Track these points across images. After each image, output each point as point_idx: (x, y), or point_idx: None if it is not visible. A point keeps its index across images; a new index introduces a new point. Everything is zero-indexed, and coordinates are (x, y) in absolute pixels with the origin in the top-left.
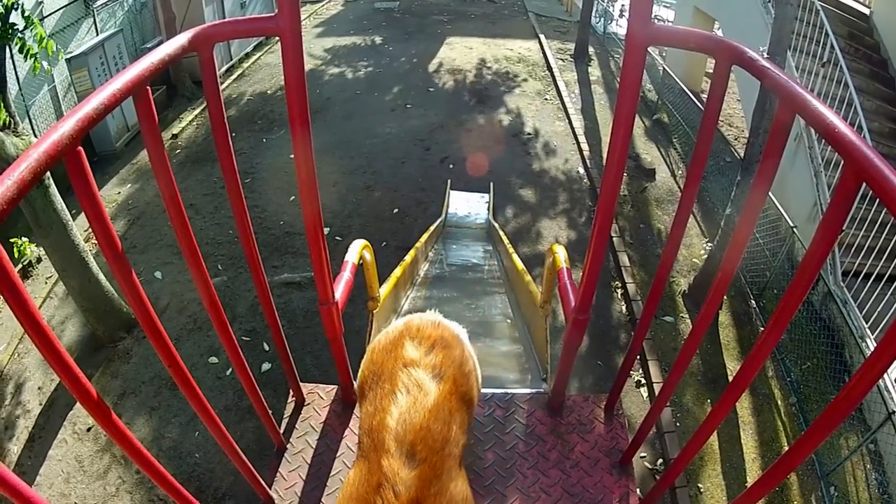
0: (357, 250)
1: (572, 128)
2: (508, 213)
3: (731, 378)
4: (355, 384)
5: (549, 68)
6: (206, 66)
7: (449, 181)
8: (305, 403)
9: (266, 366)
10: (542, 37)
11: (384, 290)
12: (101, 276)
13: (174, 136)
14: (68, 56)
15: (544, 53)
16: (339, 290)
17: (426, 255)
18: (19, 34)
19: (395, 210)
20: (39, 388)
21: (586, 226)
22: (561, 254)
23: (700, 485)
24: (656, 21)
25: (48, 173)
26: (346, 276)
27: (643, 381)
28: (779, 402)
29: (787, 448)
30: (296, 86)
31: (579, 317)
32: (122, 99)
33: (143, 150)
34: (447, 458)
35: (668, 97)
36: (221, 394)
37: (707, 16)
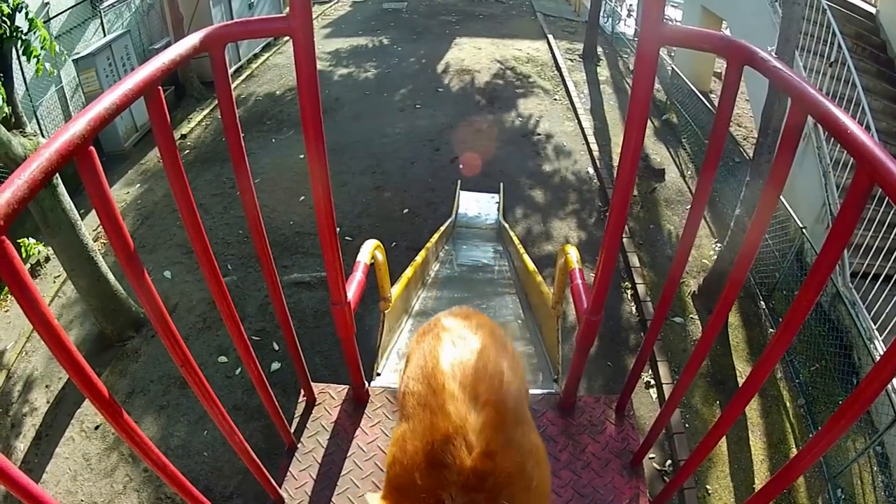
0: (369, 251)
1: (582, 128)
2: (518, 213)
3: (740, 379)
4: (368, 384)
5: (558, 68)
6: (218, 66)
7: (459, 181)
8: (316, 403)
9: (276, 365)
10: (550, 37)
11: (395, 291)
12: (110, 276)
13: (183, 137)
14: (76, 57)
15: (553, 54)
16: (352, 290)
17: (437, 256)
18: (23, 36)
19: (405, 210)
20: (47, 387)
21: (596, 226)
22: (573, 254)
23: (708, 486)
24: (667, 21)
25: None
26: (358, 276)
27: (653, 382)
28: (787, 404)
29: (795, 450)
30: (308, 86)
31: (592, 317)
32: (134, 99)
33: (152, 151)
34: (510, 401)
35: (676, 97)
36: (231, 393)
37: (715, 15)
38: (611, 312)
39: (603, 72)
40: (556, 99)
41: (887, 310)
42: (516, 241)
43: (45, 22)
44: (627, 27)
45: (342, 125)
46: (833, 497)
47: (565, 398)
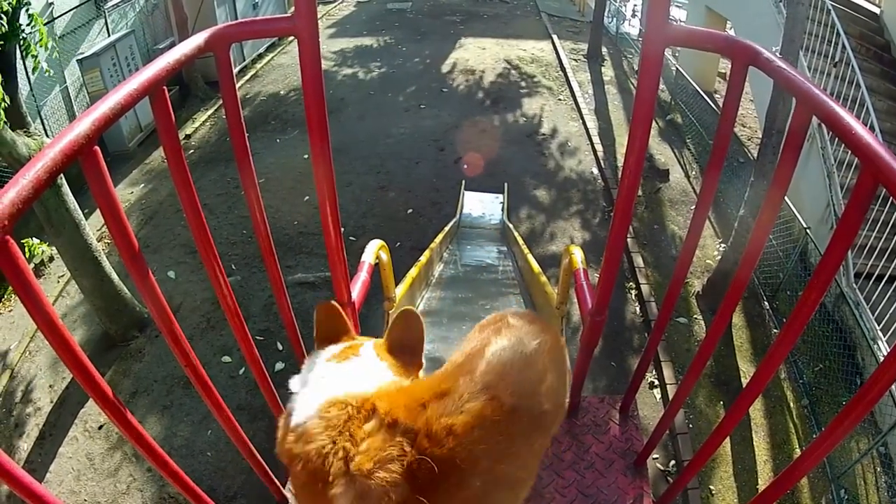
0: (373, 251)
1: (586, 128)
2: (523, 213)
3: (744, 380)
4: None
5: (563, 69)
6: (223, 66)
7: (463, 182)
8: None
9: (280, 365)
10: (554, 37)
11: (400, 291)
12: (114, 275)
13: (187, 137)
14: (80, 57)
15: (557, 54)
16: (356, 290)
17: (441, 256)
18: (25, 34)
19: (410, 210)
20: (51, 387)
21: (600, 226)
22: (577, 255)
23: (711, 486)
24: (672, 22)
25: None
26: (362, 276)
27: (657, 382)
28: (791, 405)
29: (798, 450)
30: (313, 86)
31: (596, 318)
32: (139, 99)
33: (156, 151)
34: (521, 415)
35: (681, 97)
36: (234, 393)
37: (719, 16)
38: (615, 313)
39: (607, 72)
40: (560, 99)
41: (891, 310)
42: (520, 241)
43: (48, 22)
44: (632, 27)
45: (347, 125)
46: (836, 498)
47: (569, 398)
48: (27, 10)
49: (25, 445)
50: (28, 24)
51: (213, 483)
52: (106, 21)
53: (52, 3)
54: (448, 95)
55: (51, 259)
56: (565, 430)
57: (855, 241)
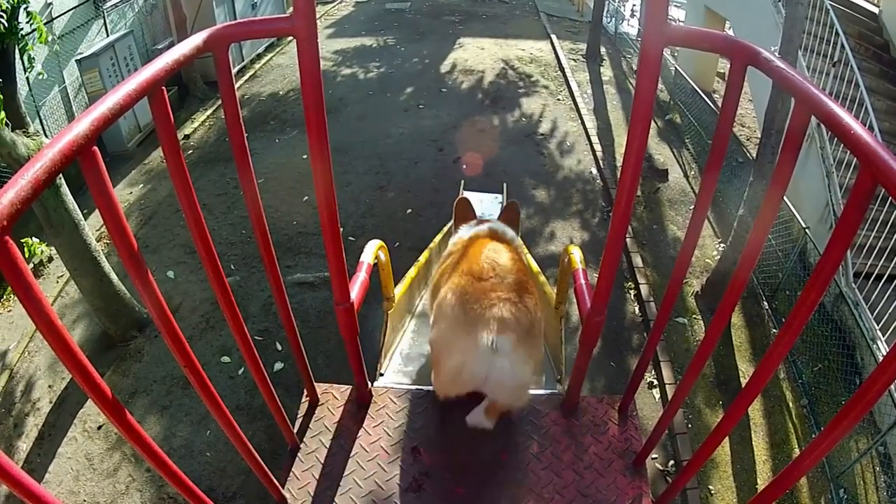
0: (372, 251)
1: (585, 128)
2: (521, 213)
3: (743, 380)
4: (371, 385)
5: (561, 69)
6: (222, 66)
7: (462, 181)
8: (319, 403)
9: (279, 365)
10: (553, 37)
11: (399, 291)
12: (113, 276)
13: (186, 137)
14: (79, 57)
15: (556, 54)
16: (355, 290)
17: (440, 256)
18: (23, 33)
19: (409, 210)
20: (50, 387)
21: (599, 226)
22: (576, 255)
23: (711, 486)
24: (670, 21)
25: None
26: (361, 276)
27: (656, 382)
28: (790, 404)
29: (797, 450)
30: (311, 86)
31: (595, 318)
32: (138, 99)
33: (155, 151)
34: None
35: (680, 97)
36: (233, 393)
37: (718, 16)
38: (614, 313)
39: (606, 72)
40: (559, 99)
41: (890, 310)
42: (519, 240)
43: (47, 22)
44: (631, 27)
45: (346, 125)
46: (836, 497)
47: (568, 398)
48: (26, 9)
49: (24, 446)
50: (27, 22)
51: (212, 483)
52: (105, 21)
53: (50, 4)
54: (447, 95)
55: (50, 259)
56: (564, 430)
57: (854, 241)
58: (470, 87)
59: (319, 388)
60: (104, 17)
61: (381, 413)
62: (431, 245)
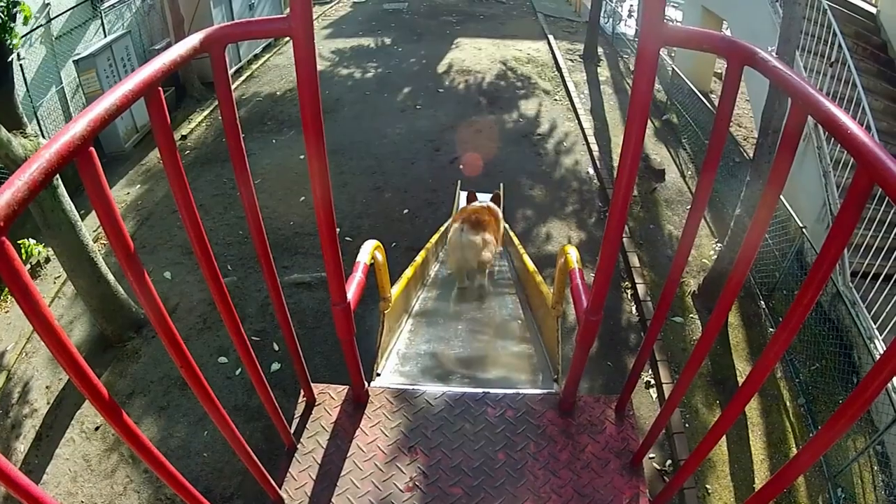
0: (369, 251)
1: (582, 128)
2: (519, 213)
3: (740, 379)
4: (368, 385)
5: (559, 69)
6: (218, 67)
7: (459, 182)
8: (316, 404)
9: (276, 366)
10: (550, 37)
11: (395, 291)
12: (110, 276)
13: (183, 138)
14: (76, 57)
15: (553, 54)
16: (352, 290)
17: (436, 256)
18: (11, 23)
19: (405, 211)
20: (47, 388)
21: (596, 226)
22: (573, 254)
23: (708, 486)
24: (667, 22)
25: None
26: (358, 276)
27: (653, 381)
28: (787, 404)
29: (795, 449)
30: (308, 86)
31: (591, 318)
32: (134, 100)
33: (152, 152)
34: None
35: (677, 97)
36: (231, 394)
37: (715, 16)
38: (611, 313)
39: (603, 72)
40: (556, 99)
41: (887, 309)
42: (516, 241)
43: (45, 23)
44: (628, 27)
45: (343, 126)
46: (833, 496)
47: (565, 398)
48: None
49: (22, 447)
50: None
51: (209, 484)
52: (102, 22)
53: (48, 4)
54: (444, 96)
55: (47, 260)
56: (561, 430)
57: (851, 240)
58: (467, 87)
59: (316, 388)
60: (102, 17)
61: (378, 413)
62: (428, 245)
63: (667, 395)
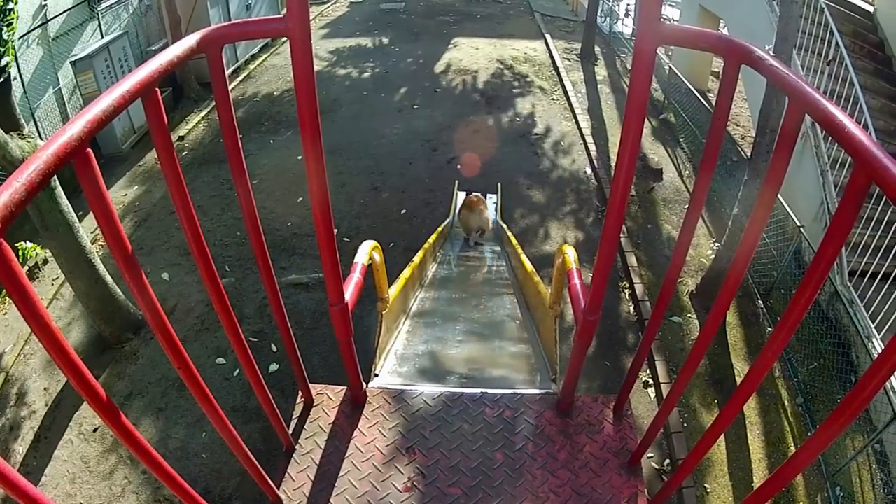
0: (366, 252)
1: (579, 128)
2: (516, 213)
3: (738, 379)
4: (366, 386)
5: (556, 68)
6: (215, 67)
7: (456, 182)
8: (314, 404)
9: (274, 367)
10: (548, 37)
11: (393, 291)
12: (108, 278)
13: (181, 138)
14: (73, 58)
15: (550, 53)
16: (349, 291)
17: (434, 256)
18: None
19: (403, 211)
20: (45, 390)
21: (594, 226)
22: (571, 255)
23: (707, 485)
24: (664, 21)
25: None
26: (355, 277)
27: (650, 381)
28: (785, 403)
29: (793, 448)
30: (305, 87)
31: (589, 317)
32: (131, 101)
33: (150, 153)
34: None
35: (674, 96)
36: (229, 395)
37: (713, 15)
38: (609, 312)
39: (601, 71)
40: (553, 99)
41: (885, 308)
42: (514, 241)
43: (42, 24)
44: (625, 27)
45: (340, 126)
46: (832, 495)
47: (563, 398)
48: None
49: (21, 449)
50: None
51: (208, 485)
52: (99, 22)
53: (45, 5)
54: (441, 95)
55: (45, 261)
56: (559, 430)
57: (849, 239)
58: (464, 87)
59: (314, 389)
60: (99, 18)
61: (376, 414)
62: (426, 245)
63: (665, 395)
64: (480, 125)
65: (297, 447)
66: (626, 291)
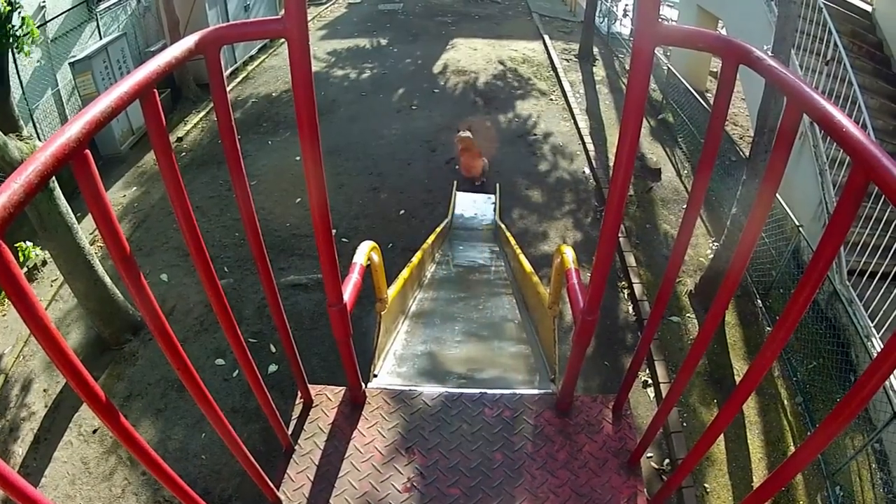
0: (365, 252)
1: (577, 128)
2: (515, 213)
3: (737, 378)
4: (365, 386)
5: (554, 69)
6: (213, 68)
7: (455, 182)
8: (314, 405)
9: (273, 367)
10: (546, 37)
11: (392, 292)
12: (107, 279)
13: (179, 140)
14: (72, 60)
15: (549, 54)
16: (348, 291)
17: (433, 257)
18: (16, 36)
19: (402, 211)
20: (45, 391)
21: (592, 226)
22: (569, 255)
23: (706, 485)
24: (662, 21)
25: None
26: (354, 277)
27: (650, 381)
28: (785, 402)
29: (793, 447)
30: (303, 87)
31: (588, 317)
32: (130, 102)
33: (148, 154)
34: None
35: (672, 96)
36: (228, 395)
37: (711, 15)
38: (608, 312)
39: (599, 72)
40: (552, 99)
41: (884, 307)
42: (513, 241)
43: (40, 25)
44: (623, 27)
45: (339, 127)
46: (832, 494)
47: (562, 398)
48: (20, 13)
49: (20, 450)
50: (20, 27)
51: (207, 486)
52: (98, 24)
53: (44, 6)
54: (440, 96)
55: (44, 263)
56: (558, 430)
57: (847, 239)
58: (463, 87)
59: (313, 389)
60: (97, 19)
61: (375, 414)
62: (424, 246)
63: (664, 395)
64: (479, 126)
65: (296, 448)
66: (625, 291)
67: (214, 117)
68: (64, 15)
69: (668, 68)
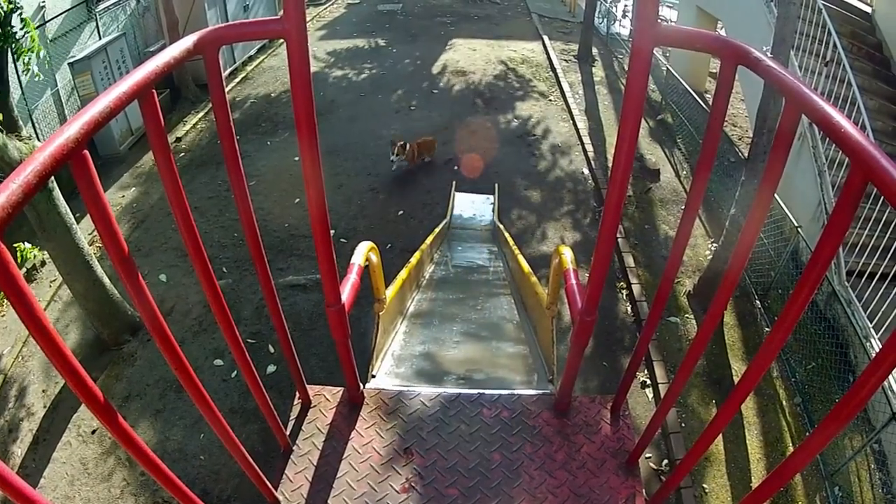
0: (363, 252)
1: (576, 129)
2: (514, 214)
3: (736, 379)
4: (363, 386)
5: (553, 69)
6: (212, 69)
7: (454, 183)
8: (312, 405)
9: (271, 368)
10: (545, 38)
11: (390, 292)
12: (106, 280)
13: (178, 140)
14: (71, 60)
15: (548, 54)
16: (346, 292)
17: (431, 257)
18: (17, 38)
19: (400, 212)
20: (44, 391)
21: (591, 227)
22: (567, 255)
23: (705, 485)
24: (661, 21)
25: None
26: (352, 278)
27: (648, 381)
28: (783, 403)
29: (791, 448)
30: (302, 88)
31: (586, 318)
32: (128, 102)
33: (147, 154)
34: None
35: (672, 97)
36: (227, 396)
37: (710, 16)
38: (606, 313)
39: (598, 73)
40: (551, 100)
41: (883, 308)
42: (511, 241)
43: (39, 26)
44: (622, 28)
45: (338, 127)
46: (831, 495)
47: (561, 398)
48: (20, 15)
49: (19, 451)
50: (20, 29)
51: (206, 487)
52: (97, 24)
53: (43, 6)
54: (439, 97)
55: (43, 263)
56: (557, 430)
57: (846, 239)
58: (462, 88)
59: (312, 390)
60: (97, 19)
61: (374, 415)
62: (423, 246)
63: (663, 395)
64: (478, 126)
65: (294, 448)
66: (624, 292)
67: (213, 117)
68: (63, 15)
69: (668, 69)
